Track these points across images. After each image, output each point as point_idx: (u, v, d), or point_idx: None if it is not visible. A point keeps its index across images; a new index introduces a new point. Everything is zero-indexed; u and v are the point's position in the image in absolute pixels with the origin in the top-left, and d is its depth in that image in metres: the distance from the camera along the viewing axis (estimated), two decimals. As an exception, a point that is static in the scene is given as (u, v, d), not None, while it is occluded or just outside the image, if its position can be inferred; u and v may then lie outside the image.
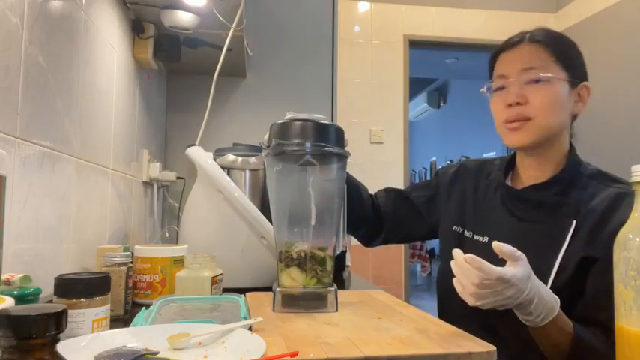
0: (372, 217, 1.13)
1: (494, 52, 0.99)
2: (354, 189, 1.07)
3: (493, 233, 0.95)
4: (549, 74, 0.89)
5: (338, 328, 0.68)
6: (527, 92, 0.90)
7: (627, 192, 0.86)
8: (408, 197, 1.16)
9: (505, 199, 0.98)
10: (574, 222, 0.86)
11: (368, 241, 1.20)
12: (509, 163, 1.03)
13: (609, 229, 0.82)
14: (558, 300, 0.75)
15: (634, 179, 0.56)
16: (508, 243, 0.76)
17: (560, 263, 0.85)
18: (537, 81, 0.89)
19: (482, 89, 0.98)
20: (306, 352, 0.55)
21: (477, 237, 0.99)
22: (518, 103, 0.90)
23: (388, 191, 1.20)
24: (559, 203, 0.90)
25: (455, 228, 1.05)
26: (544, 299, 0.72)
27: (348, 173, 0.97)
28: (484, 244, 0.96)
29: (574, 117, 0.96)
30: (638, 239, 0.53)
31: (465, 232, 1.03)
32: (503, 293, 0.69)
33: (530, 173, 0.96)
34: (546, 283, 0.83)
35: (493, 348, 0.58)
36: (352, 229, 1.12)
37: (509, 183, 1.01)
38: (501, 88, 0.94)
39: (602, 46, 3.06)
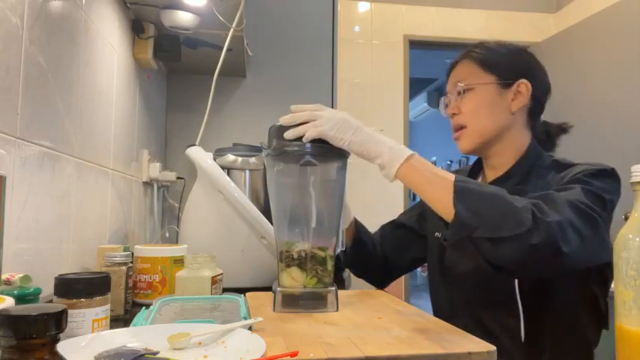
0: (380, 258, 1.13)
1: (447, 70, 1.07)
2: (366, 234, 1.10)
3: None
4: (471, 82, 0.97)
5: (338, 328, 0.68)
6: (460, 103, 0.98)
7: (562, 166, 0.91)
8: (401, 223, 1.18)
9: None
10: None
11: (381, 282, 1.18)
12: (474, 167, 1.09)
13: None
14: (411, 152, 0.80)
15: (634, 179, 0.56)
16: None
17: None
18: (464, 91, 0.98)
19: (440, 108, 1.07)
20: (306, 352, 0.55)
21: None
22: (454, 114, 1.00)
23: (383, 227, 1.20)
24: (518, 192, 0.91)
25: (436, 234, 1.05)
26: (382, 139, 0.81)
27: (357, 221, 1.06)
28: None
29: (534, 112, 1.00)
30: (638, 239, 0.53)
31: (437, 233, 1.05)
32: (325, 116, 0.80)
33: (491, 172, 1.02)
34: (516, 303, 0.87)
35: (493, 348, 0.58)
36: (364, 274, 1.14)
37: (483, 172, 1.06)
38: (447, 104, 1.03)
39: (602, 46, 3.06)
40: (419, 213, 1.16)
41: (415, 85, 5.42)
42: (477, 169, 1.08)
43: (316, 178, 0.83)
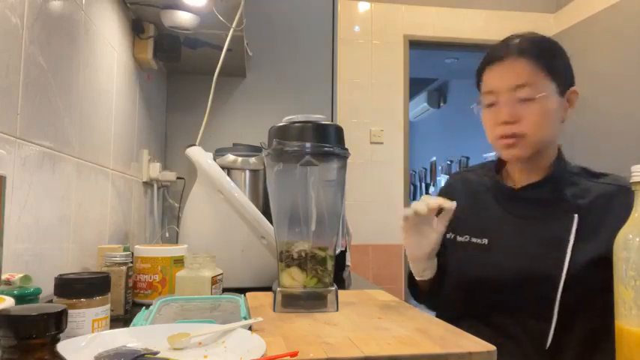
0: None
1: (480, 64, 0.98)
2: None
3: (494, 234, 0.96)
4: (542, 93, 0.89)
5: (338, 328, 0.68)
6: (520, 110, 0.90)
7: (618, 188, 0.89)
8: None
9: (500, 199, 0.99)
10: (575, 216, 0.88)
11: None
12: (497, 166, 1.04)
13: (611, 226, 0.80)
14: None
15: (634, 179, 0.56)
16: (511, 242, 0.82)
17: (570, 260, 0.86)
18: (529, 99, 0.90)
19: (473, 107, 0.99)
20: (306, 352, 0.55)
21: (474, 240, 0.98)
22: (509, 122, 0.91)
23: None
24: (557, 199, 0.92)
25: (448, 235, 1.01)
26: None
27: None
28: (485, 246, 0.96)
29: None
30: (638, 239, 0.53)
31: (458, 237, 1.01)
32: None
33: (524, 175, 0.98)
34: (558, 281, 0.85)
35: (493, 348, 0.58)
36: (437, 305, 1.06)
37: (511, 172, 1.02)
38: (492, 104, 0.94)
39: (602, 46, 3.06)
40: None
41: (415, 85, 5.42)
42: (497, 169, 1.04)
43: (316, 178, 0.83)
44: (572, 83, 0.95)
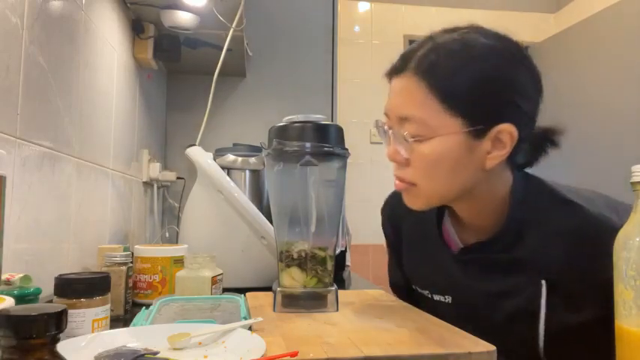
0: None
1: (387, 72, 0.74)
2: None
3: (456, 293, 0.79)
4: (426, 130, 0.66)
5: (338, 328, 0.68)
6: (406, 150, 0.69)
7: (583, 223, 0.67)
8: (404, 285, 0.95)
9: (451, 258, 0.80)
10: (543, 283, 0.69)
11: None
12: (437, 212, 0.82)
13: (588, 284, 0.65)
14: None
15: (634, 179, 0.55)
16: (477, 305, 0.66)
17: (545, 332, 0.69)
18: (412, 139, 0.67)
19: (376, 128, 0.76)
20: (306, 352, 0.55)
21: (437, 297, 0.82)
22: (396, 161, 0.71)
23: (394, 291, 0.99)
24: (516, 261, 0.71)
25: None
26: None
27: None
28: (450, 305, 0.80)
29: (516, 148, 0.69)
30: (638, 239, 0.53)
31: (418, 289, 0.87)
32: None
33: (469, 233, 0.78)
34: (538, 355, 0.70)
35: (493, 348, 0.58)
36: None
37: (449, 226, 0.81)
38: (389, 128, 0.72)
39: (602, 46, 3.06)
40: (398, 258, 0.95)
41: (415, 85, 5.44)
42: (440, 213, 0.83)
43: (316, 178, 0.83)
44: (501, 115, 0.66)
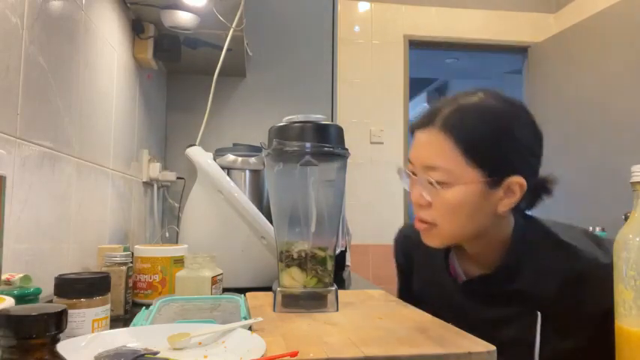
0: None
1: (410, 127, 0.86)
2: None
3: (459, 321, 0.77)
4: (450, 178, 0.76)
5: (338, 328, 0.68)
6: (430, 195, 0.79)
7: (574, 263, 0.76)
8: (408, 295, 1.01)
9: (453, 290, 0.88)
10: (538, 314, 0.76)
11: None
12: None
13: (578, 315, 0.74)
14: None
15: (634, 179, 0.56)
16: (478, 335, 0.67)
17: (540, 358, 0.76)
18: (437, 185, 0.77)
19: (399, 174, 0.87)
20: (306, 352, 0.55)
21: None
22: (420, 204, 0.81)
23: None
24: (514, 293, 0.80)
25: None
26: None
27: None
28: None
29: (528, 206, 0.83)
30: (638, 239, 0.53)
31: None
32: None
33: (473, 266, 0.87)
34: None
35: (493, 348, 0.58)
36: None
37: (454, 260, 0.90)
38: (413, 173, 0.83)
39: (602, 46, 3.06)
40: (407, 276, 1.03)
41: (415, 85, 5.42)
42: (447, 250, 0.91)
43: (316, 178, 0.83)
44: (512, 169, 0.77)
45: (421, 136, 0.81)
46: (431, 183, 0.77)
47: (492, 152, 0.77)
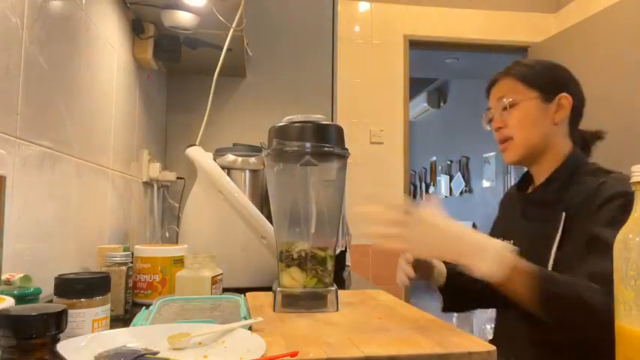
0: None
1: (486, 87, 1.12)
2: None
3: (508, 237, 1.04)
4: (515, 97, 1.03)
5: (338, 328, 0.68)
6: (505, 117, 1.05)
7: (609, 179, 0.92)
8: None
9: (517, 204, 1.11)
10: (563, 214, 0.93)
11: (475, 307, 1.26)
12: (524, 177, 1.14)
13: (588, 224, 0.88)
14: (509, 247, 0.79)
15: (634, 179, 0.55)
16: (518, 244, 0.85)
17: (554, 257, 0.91)
18: (509, 106, 1.04)
19: (482, 121, 1.13)
20: (306, 352, 0.55)
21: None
22: (500, 127, 1.06)
23: None
24: (557, 199, 0.98)
25: None
26: (486, 244, 0.77)
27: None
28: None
29: (574, 122, 1.06)
30: (638, 239, 0.53)
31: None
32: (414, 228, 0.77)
33: (537, 179, 1.07)
34: None
35: (493, 348, 0.58)
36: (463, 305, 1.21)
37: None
38: (492, 118, 1.09)
39: (602, 46, 3.06)
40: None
41: (415, 85, 5.42)
42: (526, 178, 1.13)
43: (316, 178, 0.83)
44: (559, 90, 1.02)
45: (494, 88, 1.09)
46: (504, 107, 1.04)
47: (544, 79, 1.03)
